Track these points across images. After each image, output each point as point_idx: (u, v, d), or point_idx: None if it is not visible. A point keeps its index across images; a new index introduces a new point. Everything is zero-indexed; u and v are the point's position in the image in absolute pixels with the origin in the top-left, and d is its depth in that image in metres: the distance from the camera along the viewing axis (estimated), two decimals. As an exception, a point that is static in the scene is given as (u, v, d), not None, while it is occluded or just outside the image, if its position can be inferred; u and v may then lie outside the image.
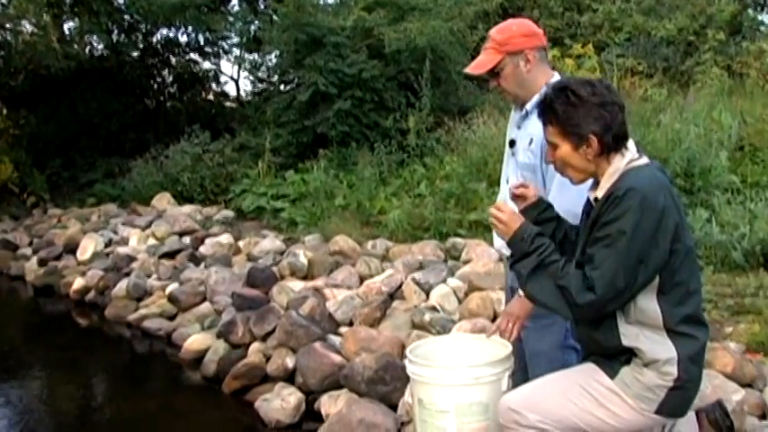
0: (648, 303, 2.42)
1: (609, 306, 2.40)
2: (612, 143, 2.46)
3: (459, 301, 6.01)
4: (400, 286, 6.39)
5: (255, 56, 16.52)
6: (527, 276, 2.51)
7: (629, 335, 2.44)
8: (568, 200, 2.89)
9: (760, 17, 12.98)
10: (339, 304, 6.09)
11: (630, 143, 2.53)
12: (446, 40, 11.64)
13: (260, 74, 17.06)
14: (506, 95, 3.23)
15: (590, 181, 2.61)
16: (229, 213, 11.18)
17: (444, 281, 6.36)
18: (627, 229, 2.32)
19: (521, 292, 2.94)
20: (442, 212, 8.59)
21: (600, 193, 2.48)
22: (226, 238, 9.11)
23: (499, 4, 13.91)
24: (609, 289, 2.34)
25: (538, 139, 3.04)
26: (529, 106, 3.14)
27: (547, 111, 2.52)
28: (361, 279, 6.89)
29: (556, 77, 3.14)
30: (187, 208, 11.48)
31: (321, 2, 13.88)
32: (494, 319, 5.46)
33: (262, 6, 16.21)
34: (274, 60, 15.08)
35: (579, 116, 2.45)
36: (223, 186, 12.43)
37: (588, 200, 2.63)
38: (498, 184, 8.73)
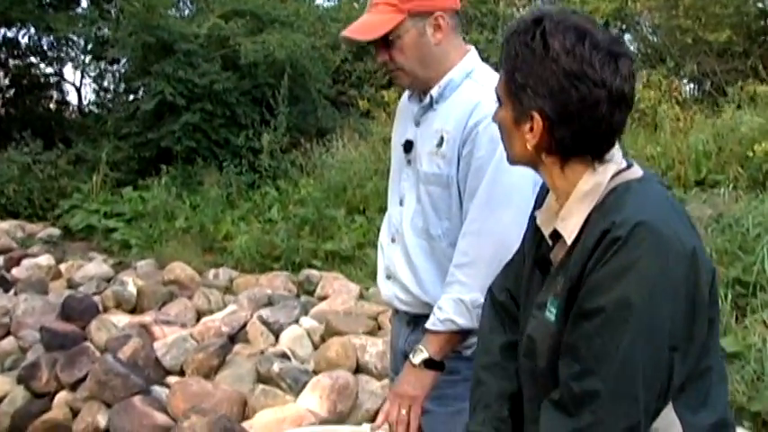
0: (660, 410, 1.40)
1: None
2: (571, 143, 1.47)
3: (315, 346, 5.20)
4: (244, 326, 5.48)
5: (102, 63, 15.30)
6: None
7: None
8: (500, 226, 2.00)
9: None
10: (168, 347, 5.11)
11: (616, 148, 1.52)
12: (307, 56, 10.86)
13: (105, 83, 15.83)
14: (399, 77, 2.22)
15: (533, 180, 1.67)
16: (55, 232, 9.92)
17: (297, 321, 5.54)
18: (640, 298, 1.31)
19: (415, 359, 2.08)
20: (295, 240, 7.82)
21: (565, 227, 1.49)
22: (45, 260, 7.90)
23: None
24: (627, 407, 1.32)
25: (453, 136, 2.12)
26: (435, 92, 2.19)
27: (504, 44, 1.54)
28: (199, 315, 5.96)
29: (472, 54, 2.25)
30: (7, 223, 10.13)
31: (177, 14, 12.93)
32: (356, 371, 4.67)
33: (112, 12, 15.00)
34: (123, 70, 13.97)
35: (532, 75, 1.45)
36: (54, 201, 11.12)
37: (533, 225, 1.67)
38: (360, 212, 7.64)
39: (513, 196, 1.97)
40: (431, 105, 2.21)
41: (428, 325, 2.11)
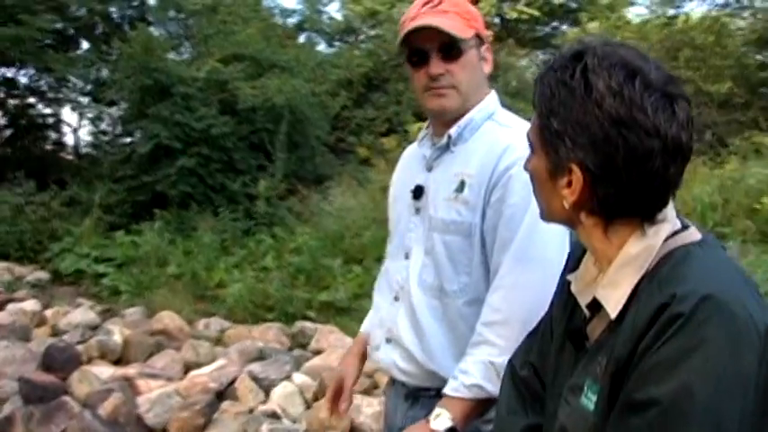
0: None
1: None
2: (616, 202, 1.23)
3: (308, 405, 4.95)
4: (233, 382, 5.24)
5: (100, 105, 15.18)
6: None
7: None
8: (538, 281, 1.75)
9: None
10: (152, 403, 4.85)
11: (669, 206, 1.28)
12: (306, 102, 10.72)
13: (103, 125, 15.69)
14: (447, 97, 1.96)
15: (566, 234, 1.48)
16: (44, 275, 9.67)
17: (289, 377, 5.32)
18: (704, 388, 1.07)
19: (436, 425, 1.79)
20: (290, 290, 7.60)
21: (607, 298, 1.25)
22: (31, 306, 7.65)
23: (363, 74, 13.20)
24: None
25: (478, 180, 1.91)
26: (453, 132, 1.99)
27: (537, 83, 1.29)
28: (187, 368, 5.71)
29: (493, 96, 2.06)
30: (-5, 266, 9.92)
31: (176, 57, 12.83)
32: (350, 434, 4.43)
33: (113, 54, 14.90)
34: (121, 113, 13.83)
35: (571, 120, 1.21)
36: (45, 244, 10.89)
37: (564, 290, 1.43)
38: (357, 262, 7.31)
39: (549, 248, 1.76)
40: (447, 147, 2.02)
41: (449, 390, 1.85)
